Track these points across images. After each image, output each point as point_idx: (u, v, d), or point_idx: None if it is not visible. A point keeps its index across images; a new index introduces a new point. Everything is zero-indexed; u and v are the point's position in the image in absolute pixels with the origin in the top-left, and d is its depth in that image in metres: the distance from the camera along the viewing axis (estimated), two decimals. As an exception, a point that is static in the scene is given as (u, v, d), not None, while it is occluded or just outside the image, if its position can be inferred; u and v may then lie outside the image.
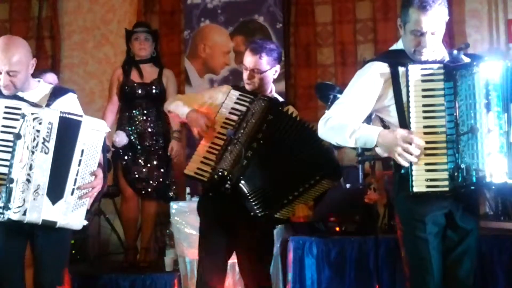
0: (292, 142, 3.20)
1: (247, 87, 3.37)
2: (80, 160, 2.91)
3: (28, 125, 2.82)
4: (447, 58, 2.76)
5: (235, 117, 3.27)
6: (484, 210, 4.73)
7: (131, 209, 4.96)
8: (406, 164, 2.60)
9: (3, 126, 2.88)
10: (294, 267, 4.24)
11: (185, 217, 4.54)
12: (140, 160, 4.89)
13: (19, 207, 2.80)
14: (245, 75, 3.37)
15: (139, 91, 4.92)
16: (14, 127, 2.85)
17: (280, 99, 3.51)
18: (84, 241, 5.09)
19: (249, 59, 3.34)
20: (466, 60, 2.74)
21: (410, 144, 2.56)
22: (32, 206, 2.81)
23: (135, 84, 4.92)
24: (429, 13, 2.64)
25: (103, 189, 3.07)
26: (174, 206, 4.61)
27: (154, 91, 4.95)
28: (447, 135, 2.61)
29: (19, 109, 2.88)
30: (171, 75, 5.12)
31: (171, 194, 4.96)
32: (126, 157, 4.88)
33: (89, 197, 2.99)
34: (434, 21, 2.66)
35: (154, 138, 4.93)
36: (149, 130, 4.93)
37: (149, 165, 4.89)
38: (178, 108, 3.39)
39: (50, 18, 6.18)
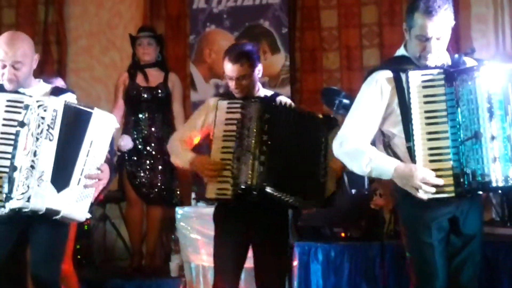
0: (296, 130, 3.20)
1: (237, 95, 3.32)
2: (88, 151, 2.91)
3: (33, 112, 2.83)
4: (449, 63, 2.75)
5: (233, 127, 3.21)
6: (491, 216, 4.70)
7: (136, 214, 4.96)
8: (425, 197, 2.60)
9: (4, 119, 2.88)
10: (300, 273, 4.23)
11: (191, 223, 4.54)
12: (145, 165, 4.89)
13: (23, 193, 2.79)
14: (232, 84, 3.31)
15: (145, 95, 4.93)
16: (16, 120, 2.86)
17: (269, 93, 3.47)
18: (90, 246, 5.11)
19: (231, 69, 3.27)
20: (470, 63, 2.74)
21: (427, 180, 2.58)
22: (36, 193, 2.80)
23: (141, 88, 4.93)
24: (435, 18, 2.63)
25: (108, 185, 3.07)
26: (179, 211, 4.61)
27: (160, 95, 4.96)
28: (450, 140, 2.60)
29: (22, 102, 2.89)
30: (177, 79, 5.13)
31: (175, 199, 4.96)
32: (131, 162, 4.88)
33: (94, 189, 2.97)
34: (439, 26, 2.65)
35: (159, 142, 4.93)
36: (155, 134, 4.94)
37: (154, 170, 4.90)
38: (178, 158, 3.37)
39: (56, 23, 6.21)
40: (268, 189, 3.08)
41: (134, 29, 5.71)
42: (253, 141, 3.13)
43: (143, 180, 4.88)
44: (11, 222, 2.92)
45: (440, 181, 2.59)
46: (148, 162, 4.91)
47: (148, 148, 4.92)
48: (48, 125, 2.84)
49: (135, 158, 4.90)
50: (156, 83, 4.99)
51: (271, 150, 3.12)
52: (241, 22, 5.95)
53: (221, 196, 3.17)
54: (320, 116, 3.32)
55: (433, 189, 2.58)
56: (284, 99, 3.39)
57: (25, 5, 6.27)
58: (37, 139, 2.83)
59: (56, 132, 2.85)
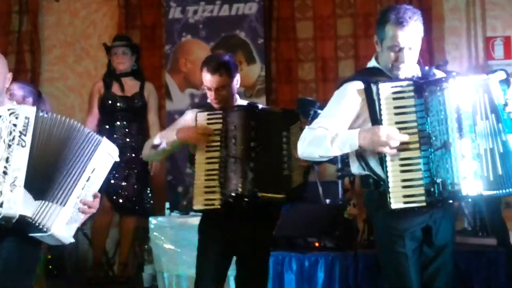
0: (270, 131, 3.25)
1: (216, 106, 3.33)
2: (89, 177, 2.89)
3: (4, 121, 2.81)
4: (419, 75, 2.78)
5: (217, 137, 3.23)
6: (463, 226, 4.75)
7: (104, 222, 4.91)
8: (387, 150, 2.60)
9: None
10: (274, 283, 4.22)
11: (164, 232, 4.51)
12: (120, 174, 4.86)
13: None
14: (210, 95, 3.31)
15: (120, 104, 4.91)
16: None
17: (244, 103, 3.48)
18: (61, 257, 5.05)
19: (209, 79, 3.28)
20: (439, 75, 2.78)
21: (392, 136, 2.59)
22: (8, 199, 2.74)
23: (117, 97, 4.91)
24: (406, 29, 2.67)
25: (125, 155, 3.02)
26: (153, 221, 4.58)
27: (136, 104, 4.95)
28: (421, 150, 2.62)
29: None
30: (153, 88, 5.13)
31: (148, 209, 4.93)
32: None
33: (85, 215, 2.92)
34: (411, 36, 2.69)
35: (134, 152, 4.90)
36: (130, 144, 4.91)
37: (128, 180, 4.87)
38: (164, 136, 3.33)
39: (30, 32, 6.15)
40: (260, 195, 3.11)
41: (108, 39, 5.71)
42: (241, 149, 3.16)
43: (118, 189, 4.85)
44: None
45: (405, 137, 2.59)
46: (122, 171, 4.88)
47: (123, 157, 4.88)
48: (20, 132, 2.83)
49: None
50: (132, 92, 4.97)
51: (258, 156, 3.17)
52: (217, 33, 5.96)
53: (209, 206, 3.18)
54: (280, 111, 3.40)
55: (397, 143, 2.59)
56: (263, 106, 3.50)
57: (-1, 14, 6.24)
58: (9, 146, 2.81)
59: (28, 138, 2.83)
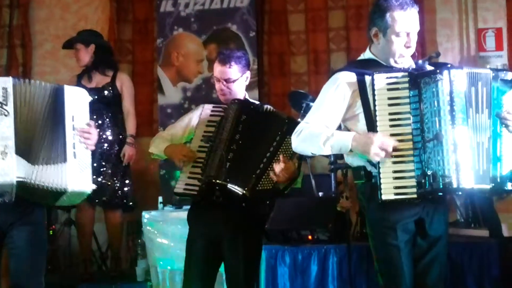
0: (261, 129, 3.26)
1: (221, 98, 3.39)
2: (73, 125, 2.96)
3: None
4: (414, 67, 2.78)
5: (212, 128, 3.29)
6: (455, 217, 4.76)
7: (86, 218, 4.88)
8: (378, 159, 2.60)
9: None
10: (267, 276, 4.23)
11: (158, 227, 4.52)
12: (97, 168, 4.75)
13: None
14: (218, 86, 3.38)
15: (90, 96, 4.87)
16: None
17: (256, 102, 3.51)
18: (55, 251, 5.04)
19: (219, 70, 3.35)
20: (431, 69, 2.77)
21: (386, 145, 2.59)
22: (2, 167, 2.79)
23: (86, 89, 4.87)
24: (409, 13, 2.71)
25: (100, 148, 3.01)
26: (146, 215, 4.58)
27: (106, 94, 4.88)
28: (413, 142, 2.62)
29: None
30: (126, 78, 5.07)
31: (129, 202, 4.90)
32: None
33: (89, 148, 3.01)
34: (414, 20, 2.73)
35: (109, 145, 4.87)
36: (104, 136, 4.85)
37: (106, 174, 4.82)
38: (157, 148, 3.39)
39: (21, 26, 6.13)
40: (230, 187, 3.12)
41: (100, 33, 5.67)
42: (225, 139, 3.19)
43: (97, 183, 4.81)
44: None
45: (398, 144, 2.59)
46: (100, 165, 4.82)
47: (99, 151, 4.82)
48: (1, 103, 2.85)
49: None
50: (103, 83, 4.92)
51: (240, 149, 3.18)
52: (209, 26, 5.95)
53: (188, 191, 3.22)
54: (285, 117, 3.36)
55: (391, 149, 2.58)
56: (267, 106, 3.44)
57: (-11, 9, 6.20)
58: None
59: (10, 108, 2.86)
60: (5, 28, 6.13)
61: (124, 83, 4.99)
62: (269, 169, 3.16)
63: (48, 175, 2.85)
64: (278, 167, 3.06)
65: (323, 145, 2.68)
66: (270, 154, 3.21)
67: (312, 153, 2.79)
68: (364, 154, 2.65)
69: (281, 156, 3.10)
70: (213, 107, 3.37)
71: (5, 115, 2.86)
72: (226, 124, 3.24)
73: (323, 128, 2.72)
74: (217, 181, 3.14)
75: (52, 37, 6.20)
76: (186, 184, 3.22)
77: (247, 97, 3.47)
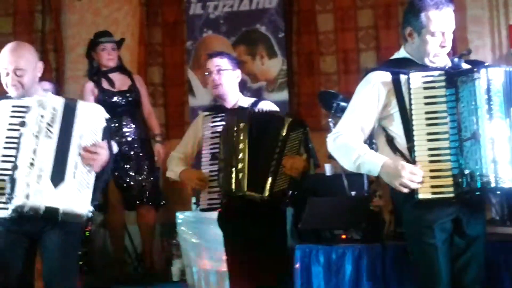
0: (264, 132, 3.33)
1: (214, 91, 3.51)
2: (79, 144, 2.93)
3: (33, 112, 2.88)
4: (450, 65, 2.78)
5: (217, 139, 3.41)
6: (490, 216, 4.71)
7: (117, 220, 4.96)
8: (405, 191, 2.63)
9: (10, 124, 2.92)
10: (302, 276, 4.23)
11: (192, 227, 4.55)
12: (132, 169, 4.89)
13: (22, 191, 2.81)
14: (210, 79, 3.50)
15: (118, 100, 4.93)
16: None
17: (250, 101, 3.59)
18: (91, 253, 5.10)
19: (210, 62, 3.50)
20: (466, 67, 2.76)
21: (414, 177, 2.61)
22: (35, 190, 2.82)
23: (113, 93, 4.92)
24: (445, 12, 2.71)
25: (109, 164, 3.07)
26: (180, 216, 4.62)
27: (133, 97, 4.97)
28: (450, 141, 2.63)
29: (26, 106, 2.93)
30: (141, 79, 5.19)
31: (162, 200, 4.98)
32: (117, 166, 4.81)
33: (92, 175, 2.98)
34: (449, 19, 2.73)
35: (142, 144, 4.95)
36: (132, 137, 4.93)
37: (140, 173, 4.89)
38: (173, 172, 3.55)
39: (53, 31, 6.22)
40: (249, 194, 3.23)
41: (130, 37, 5.75)
42: (230, 151, 3.28)
43: (132, 183, 4.87)
44: (21, 230, 2.93)
45: (420, 180, 2.60)
46: (135, 165, 4.90)
47: (132, 152, 4.90)
48: (48, 123, 2.88)
49: (122, 163, 4.87)
50: (126, 86, 4.99)
51: (248, 156, 3.27)
52: (238, 27, 5.97)
53: (213, 206, 3.38)
54: (283, 115, 3.45)
55: (420, 180, 2.60)
56: (263, 104, 3.53)
57: (22, 14, 6.27)
58: (37, 137, 2.87)
59: (55, 130, 2.89)
60: (37, 33, 6.22)
61: (141, 83, 5.09)
62: (280, 168, 3.24)
63: (43, 194, 2.83)
64: (288, 164, 3.18)
65: (353, 163, 2.74)
66: (277, 155, 3.27)
67: (342, 164, 2.84)
68: (390, 185, 2.67)
69: (287, 155, 3.21)
70: (212, 117, 3.46)
71: (49, 137, 2.88)
72: (229, 138, 3.30)
73: (358, 143, 2.74)
74: (236, 195, 3.24)
75: (84, 41, 6.20)
76: (209, 199, 3.36)
77: (242, 98, 3.56)
